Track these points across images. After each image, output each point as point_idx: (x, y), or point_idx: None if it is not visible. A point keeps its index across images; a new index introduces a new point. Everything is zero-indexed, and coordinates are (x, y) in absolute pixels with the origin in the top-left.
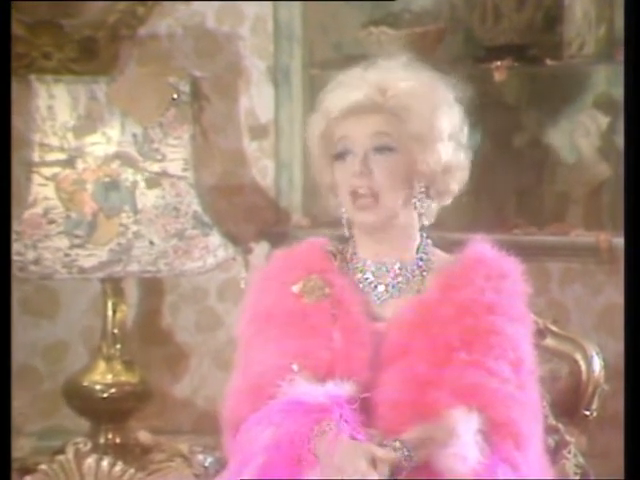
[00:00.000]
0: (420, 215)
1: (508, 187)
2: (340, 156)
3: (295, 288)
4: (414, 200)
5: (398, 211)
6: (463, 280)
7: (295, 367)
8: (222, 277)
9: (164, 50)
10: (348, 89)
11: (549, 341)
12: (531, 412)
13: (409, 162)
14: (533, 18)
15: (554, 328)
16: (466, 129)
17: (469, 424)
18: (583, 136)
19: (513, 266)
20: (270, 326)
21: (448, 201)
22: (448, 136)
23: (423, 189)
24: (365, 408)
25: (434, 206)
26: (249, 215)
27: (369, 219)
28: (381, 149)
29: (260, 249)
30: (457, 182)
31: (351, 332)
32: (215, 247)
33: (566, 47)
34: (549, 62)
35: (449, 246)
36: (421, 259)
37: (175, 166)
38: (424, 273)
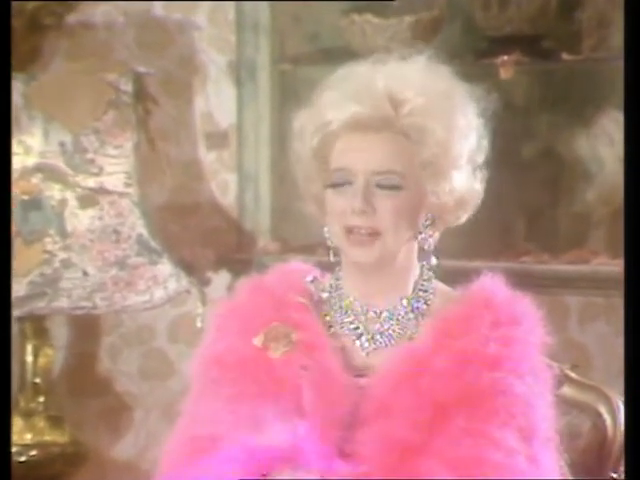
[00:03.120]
0: (421, 246)
1: (516, 206)
2: (336, 184)
3: (256, 341)
4: (420, 237)
5: (399, 250)
6: (464, 325)
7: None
8: (173, 314)
9: (100, 42)
10: (351, 96)
11: (567, 390)
12: None
13: (417, 196)
14: (546, 3)
15: (573, 375)
16: (484, 145)
17: None
18: (606, 145)
19: (528, 310)
20: (225, 378)
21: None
22: (466, 161)
23: (429, 221)
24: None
25: (437, 235)
26: (206, 239)
27: (365, 259)
28: (387, 187)
29: (220, 280)
30: (468, 212)
31: (323, 387)
32: (165, 278)
33: (586, 38)
34: (565, 56)
35: (445, 276)
36: (418, 298)
37: (115, 181)
38: (420, 315)
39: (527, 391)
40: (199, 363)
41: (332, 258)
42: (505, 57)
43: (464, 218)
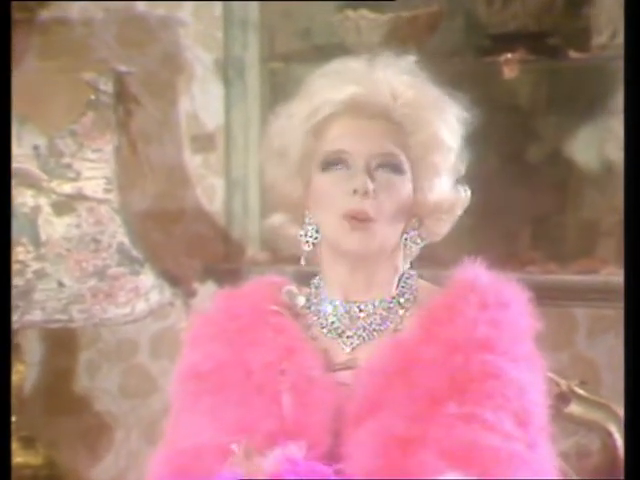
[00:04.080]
0: (406, 254)
1: (521, 212)
2: (330, 168)
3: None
4: (405, 236)
5: (392, 242)
6: (451, 311)
7: (235, 447)
8: (156, 327)
9: (77, 39)
10: (350, 80)
11: (575, 408)
12: (545, 477)
13: (410, 187)
14: None
15: (581, 391)
16: (466, 159)
17: None
18: (616, 148)
19: (515, 293)
20: (203, 389)
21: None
22: (452, 165)
23: (416, 225)
24: None
25: (420, 243)
26: (192, 248)
27: (363, 246)
28: (389, 166)
29: (206, 292)
30: (449, 222)
31: (303, 391)
32: (147, 289)
33: (595, 35)
34: (573, 54)
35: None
36: (402, 293)
37: (94, 186)
38: (404, 309)
39: (521, 376)
40: (176, 380)
41: (304, 262)
42: (509, 55)
43: (444, 229)
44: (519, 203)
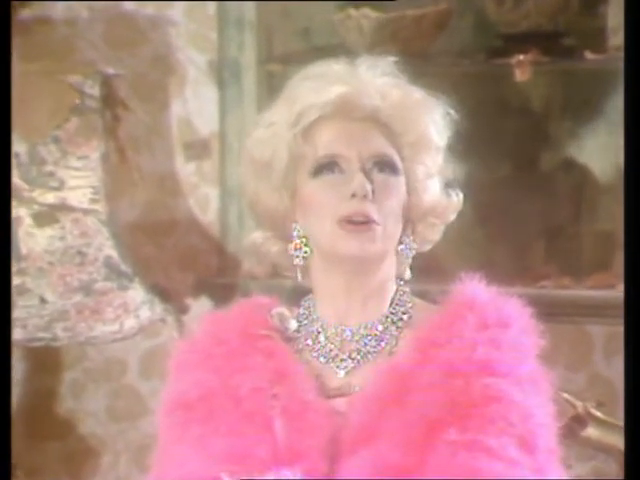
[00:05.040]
0: (400, 264)
1: (533, 224)
2: (322, 173)
3: None
4: (400, 246)
5: (389, 250)
6: (448, 332)
7: (225, 477)
8: (146, 345)
9: (61, 39)
10: (336, 80)
11: (592, 431)
12: None
13: (405, 190)
14: None
15: (598, 414)
16: (452, 164)
17: None
18: None
19: (517, 310)
20: (191, 418)
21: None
22: (440, 166)
23: (410, 231)
24: None
25: (413, 254)
26: (184, 262)
27: (362, 250)
28: (386, 166)
29: (199, 308)
30: (441, 227)
31: (297, 415)
32: (137, 305)
33: (612, 35)
34: (589, 55)
35: None
36: (396, 312)
37: (79, 196)
38: (399, 329)
39: (525, 398)
40: (163, 410)
41: (300, 277)
42: (521, 56)
43: (436, 235)
44: (531, 214)
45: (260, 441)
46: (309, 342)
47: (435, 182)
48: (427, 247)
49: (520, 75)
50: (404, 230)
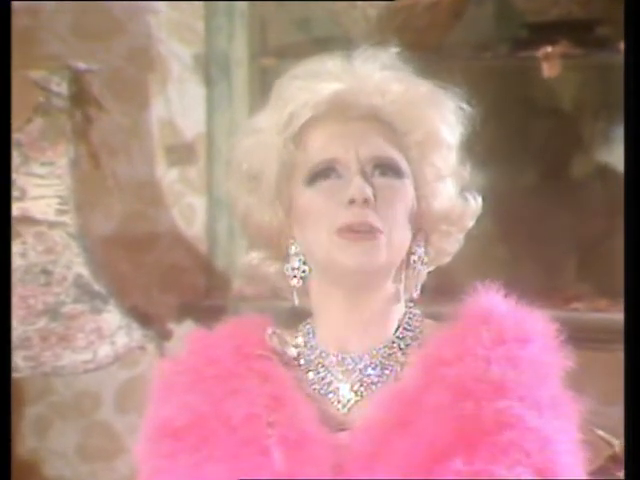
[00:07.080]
0: (410, 280)
1: (564, 238)
2: (318, 180)
3: None
4: (412, 257)
5: (396, 263)
6: (458, 348)
7: None
8: (123, 376)
9: (22, 30)
10: (326, 78)
11: None
12: None
13: (412, 194)
14: None
15: None
16: (469, 164)
17: None
18: None
19: (538, 325)
20: (180, 448)
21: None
22: (453, 167)
23: (422, 242)
24: None
25: (426, 268)
26: (166, 281)
27: (365, 261)
28: (389, 169)
29: (183, 333)
30: (458, 237)
31: (296, 445)
32: (112, 330)
33: None
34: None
35: None
36: (403, 337)
37: (43, 207)
38: (405, 355)
39: (544, 425)
40: (146, 439)
41: (296, 300)
42: (549, 48)
43: (453, 246)
44: (561, 227)
45: (259, 466)
46: (308, 373)
47: (448, 185)
48: (444, 260)
49: (548, 70)
50: (415, 240)
